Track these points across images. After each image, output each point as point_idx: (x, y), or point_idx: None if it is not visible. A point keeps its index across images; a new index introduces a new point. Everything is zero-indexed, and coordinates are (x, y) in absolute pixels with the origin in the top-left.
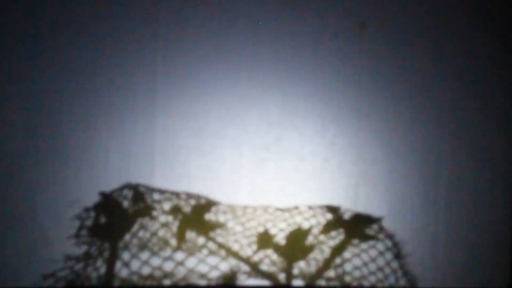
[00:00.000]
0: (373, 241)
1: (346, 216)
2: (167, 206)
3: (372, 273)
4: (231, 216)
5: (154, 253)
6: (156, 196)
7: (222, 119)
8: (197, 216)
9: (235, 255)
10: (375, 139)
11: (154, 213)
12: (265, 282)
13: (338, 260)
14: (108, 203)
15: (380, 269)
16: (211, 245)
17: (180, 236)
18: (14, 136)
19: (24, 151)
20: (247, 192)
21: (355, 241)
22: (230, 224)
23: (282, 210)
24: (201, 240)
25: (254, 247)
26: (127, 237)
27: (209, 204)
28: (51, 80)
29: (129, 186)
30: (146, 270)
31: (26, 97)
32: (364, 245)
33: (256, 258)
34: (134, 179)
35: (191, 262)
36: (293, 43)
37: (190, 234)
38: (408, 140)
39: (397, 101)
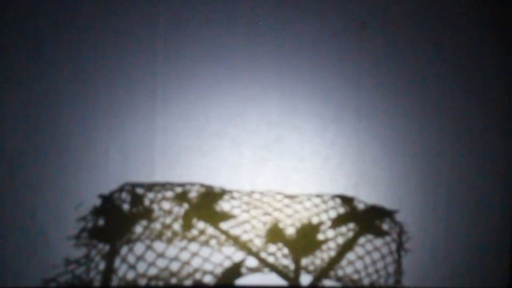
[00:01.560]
0: (384, 237)
1: (360, 208)
2: (170, 194)
3: (378, 271)
4: (239, 204)
5: (156, 239)
6: (157, 196)
7: (222, 119)
8: (206, 205)
9: (242, 246)
10: (375, 139)
11: (153, 214)
12: (272, 275)
13: (347, 256)
14: (107, 206)
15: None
16: (218, 234)
17: (187, 225)
18: (14, 136)
19: (24, 151)
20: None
21: (367, 236)
22: (238, 212)
23: (291, 197)
24: (207, 229)
25: (262, 238)
26: (128, 237)
27: (220, 194)
28: (51, 80)
29: (127, 188)
30: (143, 267)
31: (26, 97)
32: (376, 241)
33: (264, 250)
34: (134, 179)
35: (197, 252)
36: (293, 43)
37: (196, 223)
38: (408, 140)
39: (397, 101)
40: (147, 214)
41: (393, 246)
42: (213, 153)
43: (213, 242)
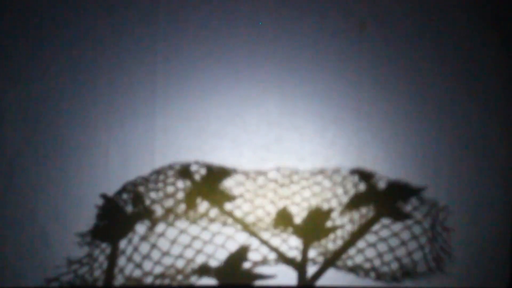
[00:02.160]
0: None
1: (381, 185)
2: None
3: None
4: (247, 185)
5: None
6: (156, 196)
7: (222, 119)
8: (210, 184)
9: (249, 229)
10: (375, 139)
11: (154, 215)
12: (278, 264)
13: (360, 244)
14: (109, 206)
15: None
16: (223, 216)
17: (190, 204)
18: (14, 136)
19: (24, 151)
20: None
21: (386, 220)
22: (246, 194)
23: (304, 176)
24: (212, 211)
25: (270, 220)
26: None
27: (224, 172)
28: (51, 80)
29: (128, 189)
30: (148, 264)
31: (26, 97)
32: (396, 226)
33: (271, 235)
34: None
35: (202, 236)
36: (293, 43)
37: (201, 204)
38: (408, 140)
39: (397, 101)
40: (148, 213)
41: (418, 230)
42: (213, 153)
43: (218, 224)
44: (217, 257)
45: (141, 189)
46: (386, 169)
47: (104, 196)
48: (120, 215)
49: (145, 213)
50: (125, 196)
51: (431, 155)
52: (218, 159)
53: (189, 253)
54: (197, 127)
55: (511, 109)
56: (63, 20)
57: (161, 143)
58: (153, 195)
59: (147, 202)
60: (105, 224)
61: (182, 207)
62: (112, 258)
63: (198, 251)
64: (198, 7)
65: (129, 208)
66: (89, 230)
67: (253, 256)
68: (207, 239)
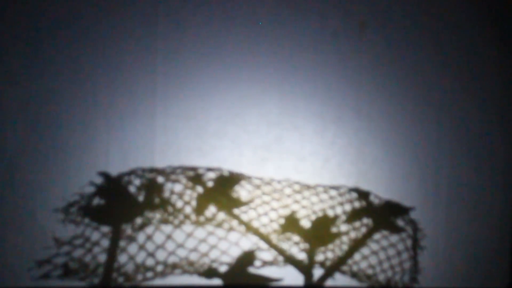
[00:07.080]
0: (400, 234)
1: (375, 203)
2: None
3: (391, 267)
4: (256, 191)
5: (171, 226)
6: (176, 188)
7: (222, 119)
8: (220, 190)
9: (258, 234)
10: (375, 139)
11: (170, 209)
12: (285, 267)
13: (361, 252)
14: (112, 187)
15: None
16: (232, 220)
17: (200, 209)
18: (14, 136)
19: (24, 151)
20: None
21: (383, 232)
22: (255, 200)
23: (308, 187)
24: (221, 215)
25: (278, 226)
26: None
27: (235, 178)
28: (51, 80)
29: (139, 174)
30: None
31: (26, 97)
32: (391, 238)
33: (279, 239)
34: None
35: (210, 240)
36: (293, 43)
37: (210, 208)
38: (408, 140)
39: (397, 101)
40: (164, 205)
41: (409, 243)
42: (213, 153)
43: (226, 227)
44: (226, 259)
45: (159, 179)
46: (386, 169)
47: (105, 175)
48: (127, 199)
49: (161, 204)
50: (136, 181)
51: (431, 155)
52: (218, 159)
53: (195, 255)
54: (197, 127)
55: (511, 109)
56: (63, 20)
57: (161, 143)
58: (171, 187)
59: (166, 194)
60: (104, 205)
61: (191, 209)
62: (114, 241)
63: (204, 254)
64: (198, 7)
65: (140, 194)
66: (75, 207)
67: (262, 258)
68: (215, 242)
